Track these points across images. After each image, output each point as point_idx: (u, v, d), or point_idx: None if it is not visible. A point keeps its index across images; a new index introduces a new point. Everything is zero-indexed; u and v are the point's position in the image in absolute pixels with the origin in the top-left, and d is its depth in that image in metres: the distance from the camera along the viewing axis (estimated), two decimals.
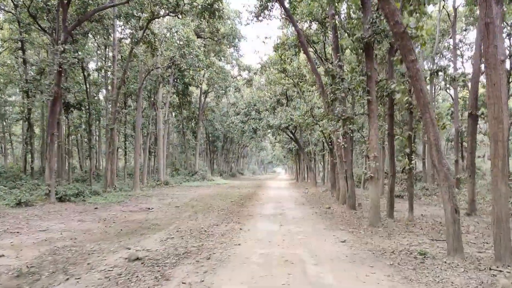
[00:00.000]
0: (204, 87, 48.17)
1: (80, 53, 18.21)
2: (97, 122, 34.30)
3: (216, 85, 45.62)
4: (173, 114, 48.69)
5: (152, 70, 28.79)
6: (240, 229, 12.14)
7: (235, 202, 21.35)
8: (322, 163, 44.00)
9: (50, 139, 18.32)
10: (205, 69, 41.06)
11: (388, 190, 14.12)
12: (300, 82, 28.40)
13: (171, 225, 13.37)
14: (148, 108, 34.95)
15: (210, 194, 27.51)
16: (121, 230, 12.35)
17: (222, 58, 41.85)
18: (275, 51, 22.59)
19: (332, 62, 22.13)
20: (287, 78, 28.77)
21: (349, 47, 14.17)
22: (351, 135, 17.09)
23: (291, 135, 39.24)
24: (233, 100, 53.21)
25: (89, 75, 27.19)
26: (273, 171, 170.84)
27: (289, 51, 22.56)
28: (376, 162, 12.14)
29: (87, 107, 24.28)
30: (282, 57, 22.81)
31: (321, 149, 42.11)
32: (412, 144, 14.09)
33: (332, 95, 12.33)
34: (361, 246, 9.52)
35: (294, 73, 27.59)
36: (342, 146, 16.64)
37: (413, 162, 13.61)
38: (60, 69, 17.51)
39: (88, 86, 23.67)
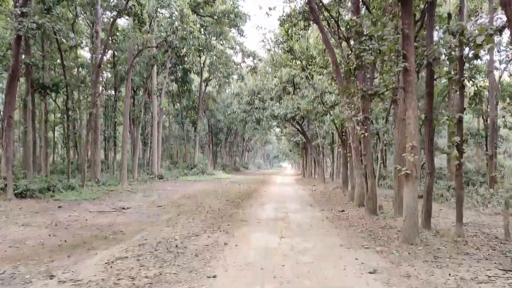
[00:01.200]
0: (206, 74, 44.89)
1: (45, 20, 14.98)
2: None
3: (217, 72, 42.31)
4: (172, 103, 45.54)
5: (143, 50, 25.55)
6: (225, 243, 8.90)
7: (230, 201, 18.12)
8: (331, 157, 40.63)
9: (7, 123, 15.19)
10: (204, 52, 37.80)
11: (425, 192, 10.78)
12: (309, 66, 25.00)
13: (138, 233, 10.18)
14: (142, 94, 31.71)
15: (205, 191, 24.34)
16: (65, 241, 9.17)
17: (224, 41, 38.50)
18: (281, 26, 19.24)
19: (349, 38, 18.79)
20: (294, 60, 25.35)
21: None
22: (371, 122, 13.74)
23: (298, 127, 35.90)
24: (237, 90, 49.92)
25: (77, 57, 23.99)
26: (279, 166, 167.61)
27: (297, 26, 19.15)
28: (414, 154, 8.81)
29: (64, 88, 21.14)
30: (289, 31, 19.40)
31: (330, 142, 38.76)
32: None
33: (356, 60, 9.00)
34: (402, 282, 6.23)
35: (302, 53, 24.17)
36: (361, 136, 13.29)
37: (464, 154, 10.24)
38: (16, 36, 14.34)
39: (64, 64, 20.49)
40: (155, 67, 33.16)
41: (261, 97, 36.04)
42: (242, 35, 36.32)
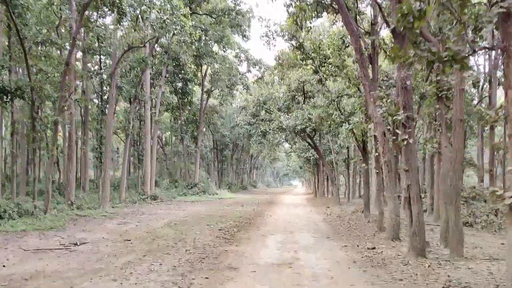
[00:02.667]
0: (207, 85, 41.37)
1: None
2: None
3: (220, 82, 38.72)
4: (173, 116, 41.98)
5: (128, 51, 22.06)
6: None
7: (224, 231, 14.14)
8: (347, 175, 36.46)
9: None
10: (204, 59, 34.32)
11: None
12: (323, 67, 21.21)
13: None
14: (134, 104, 28.12)
15: (199, 215, 20.42)
16: None
17: (226, 46, 34.97)
18: (287, 10, 15.54)
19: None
20: (305, 60, 21.54)
21: None
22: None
23: (309, 141, 31.98)
24: (243, 103, 46.25)
25: (47, 55, 20.48)
26: (290, 184, 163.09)
27: (307, 12, 15.42)
28: None
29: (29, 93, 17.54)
30: (298, 20, 15.69)
31: (345, 158, 34.69)
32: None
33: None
34: None
35: (314, 51, 20.38)
36: (402, 144, 9.27)
37: None
38: None
39: (28, 63, 16.96)
40: (147, 75, 29.71)
41: (267, 108, 32.28)
42: (245, 37, 32.74)
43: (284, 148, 61.48)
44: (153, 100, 32.33)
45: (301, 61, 21.62)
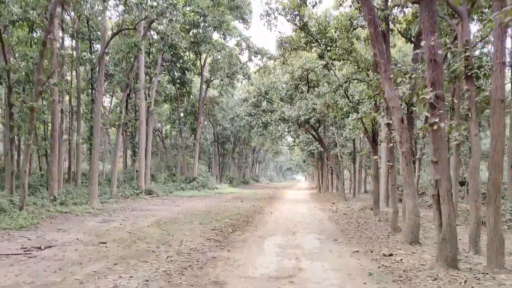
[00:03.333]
0: (207, 75, 39.56)
1: None
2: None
3: (220, 72, 36.92)
4: (171, 108, 40.23)
5: (118, 33, 20.33)
6: None
7: (217, 232, 12.47)
8: (352, 169, 34.63)
9: None
10: (202, 46, 32.53)
11: None
12: (329, 51, 19.40)
13: None
14: (127, 92, 26.41)
15: (194, 212, 18.79)
16: None
17: (226, 32, 33.08)
18: None
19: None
20: (308, 43, 19.69)
21: None
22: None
23: (314, 133, 30.21)
24: (245, 95, 44.36)
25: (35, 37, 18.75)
26: (293, 178, 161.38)
27: None
28: None
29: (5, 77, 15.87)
30: None
31: (351, 151, 32.93)
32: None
33: None
34: None
35: (320, 33, 18.53)
36: (432, 129, 7.48)
37: None
38: None
39: (4, 44, 15.25)
40: (142, 63, 27.99)
41: (269, 98, 30.46)
42: (244, 21, 30.80)
43: (287, 142, 59.75)
44: (149, 89, 30.63)
45: (305, 45, 19.77)
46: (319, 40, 18.80)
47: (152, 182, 32.07)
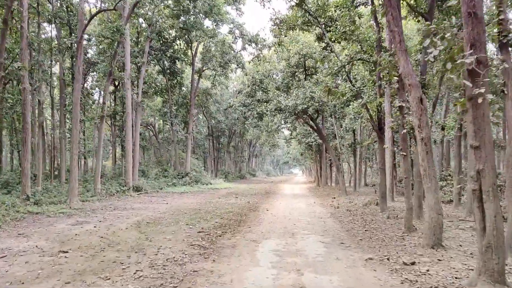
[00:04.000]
0: (199, 64, 37.62)
1: None
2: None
3: (213, 61, 35.02)
4: (162, 99, 38.30)
5: (96, 15, 18.45)
6: None
7: (203, 235, 10.73)
8: (352, 162, 32.90)
9: None
10: (192, 33, 30.67)
11: None
12: (329, 32, 17.60)
13: None
14: (109, 81, 24.53)
15: (182, 210, 17.06)
16: None
17: (217, 17, 31.11)
18: None
19: None
20: (306, 24, 17.86)
21: None
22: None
23: (312, 123, 28.51)
24: (240, 86, 42.41)
25: None
26: (290, 172, 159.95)
27: None
28: None
29: None
30: None
31: (352, 143, 31.25)
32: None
33: None
34: None
35: (319, 10, 16.74)
36: (472, 101, 5.76)
37: None
38: None
39: None
40: (127, 51, 26.13)
41: (264, 87, 28.61)
42: (238, 2, 28.87)
43: (284, 135, 58.02)
44: (137, 80, 28.78)
45: (302, 25, 17.95)
46: (318, 18, 16.99)
47: (141, 178, 30.29)
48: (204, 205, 19.17)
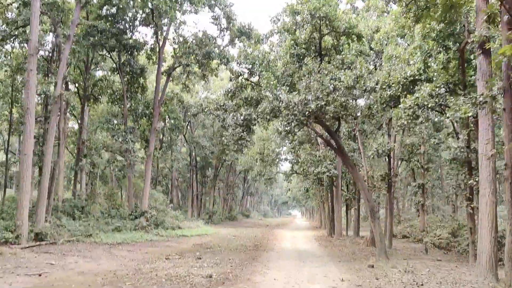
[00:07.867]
0: (169, 62, 27.67)
1: None
2: None
3: (187, 54, 25.18)
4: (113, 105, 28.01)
5: None
6: None
7: None
8: (388, 202, 22.02)
9: None
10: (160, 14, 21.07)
11: None
12: None
13: None
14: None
15: None
16: None
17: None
18: None
19: None
20: None
21: None
22: None
23: (327, 136, 18.18)
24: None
25: None
26: (288, 214, 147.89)
27: None
28: None
29: None
30: None
31: (385, 176, 20.76)
32: None
33: None
34: None
35: None
36: None
37: None
38: None
39: None
40: (36, 16, 16.23)
41: (254, 83, 18.44)
42: None
43: (283, 169, 47.57)
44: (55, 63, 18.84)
45: None
46: None
47: (63, 218, 19.61)
48: (120, 279, 8.53)
